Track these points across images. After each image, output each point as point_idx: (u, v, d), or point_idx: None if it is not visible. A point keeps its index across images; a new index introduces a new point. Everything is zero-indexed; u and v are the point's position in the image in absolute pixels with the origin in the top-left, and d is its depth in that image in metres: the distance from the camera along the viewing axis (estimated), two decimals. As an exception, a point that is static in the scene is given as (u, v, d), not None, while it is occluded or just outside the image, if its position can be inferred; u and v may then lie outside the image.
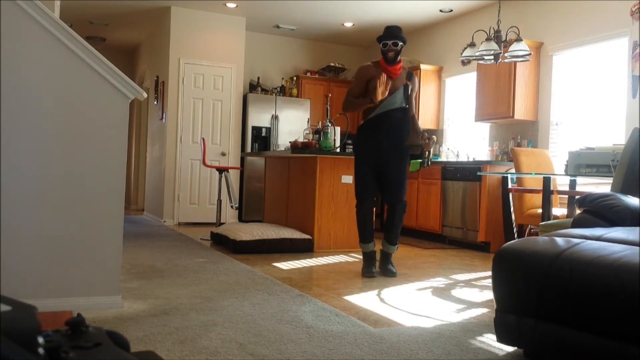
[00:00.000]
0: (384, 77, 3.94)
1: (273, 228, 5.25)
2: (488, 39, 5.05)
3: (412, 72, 4.21)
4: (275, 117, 8.10)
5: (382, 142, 4.05)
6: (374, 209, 4.26)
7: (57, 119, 2.70)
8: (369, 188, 4.11)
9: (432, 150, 4.21)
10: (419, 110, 7.42)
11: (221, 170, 6.34)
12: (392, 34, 4.07)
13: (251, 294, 3.29)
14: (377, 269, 4.17)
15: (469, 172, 5.97)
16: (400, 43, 4.05)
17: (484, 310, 3.16)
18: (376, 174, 4.11)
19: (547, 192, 4.18)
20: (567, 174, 4.43)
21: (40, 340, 0.82)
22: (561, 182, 5.39)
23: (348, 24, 8.05)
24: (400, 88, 4.07)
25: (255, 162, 7.98)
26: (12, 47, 2.59)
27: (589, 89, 5.63)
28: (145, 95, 2.98)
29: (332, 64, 8.84)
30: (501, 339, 2.22)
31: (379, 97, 3.93)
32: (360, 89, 4.14)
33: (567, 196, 4.81)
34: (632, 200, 2.67)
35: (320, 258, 4.89)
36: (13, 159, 2.60)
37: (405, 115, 4.11)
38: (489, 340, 2.51)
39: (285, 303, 3.09)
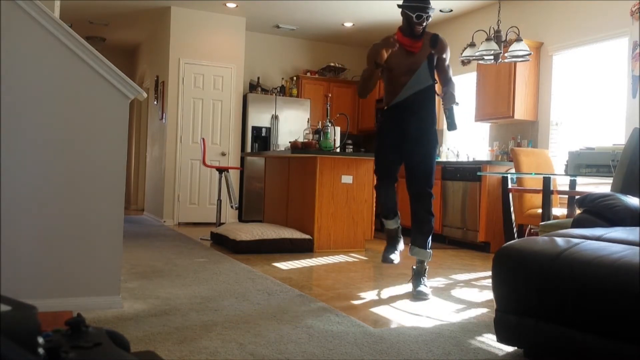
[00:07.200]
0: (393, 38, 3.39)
1: (273, 228, 5.25)
2: (488, 39, 5.05)
3: (437, 35, 3.48)
4: (275, 117, 8.09)
5: (406, 130, 3.46)
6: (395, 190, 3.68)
7: (57, 118, 2.70)
8: (390, 173, 3.57)
9: (453, 107, 3.35)
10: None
11: (221, 170, 6.34)
12: (425, 3, 3.37)
13: (251, 294, 3.29)
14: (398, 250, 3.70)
15: (469, 172, 5.97)
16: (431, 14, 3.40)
17: (484, 310, 3.16)
18: (400, 163, 3.58)
19: (547, 192, 4.18)
20: (567, 174, 4.43)
21: (40, 340, 0.82)
22: (561, 182, 5.39)
23: (348, 24, 8.04)
24: (424, 63, 3.39)
25: (255, 162, 7.97)
26: (12, 47, 2.59)
27: (589, 89, 5.63)
28: (145, 95, 2.98)
29: (332, 64, 8.84)
30: (501, 339, 2.22)
31: (384, 57, 3.38)
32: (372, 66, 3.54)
33: (567, 196, 4.81)
34: (632, 200, 2.67)
35: (320, 258, 4.89)
36: (13, 159, 2.59)
37: (430, 94, 3.45)
38: (489, 340, 2.51)
39: (285, 303, 3.09)
